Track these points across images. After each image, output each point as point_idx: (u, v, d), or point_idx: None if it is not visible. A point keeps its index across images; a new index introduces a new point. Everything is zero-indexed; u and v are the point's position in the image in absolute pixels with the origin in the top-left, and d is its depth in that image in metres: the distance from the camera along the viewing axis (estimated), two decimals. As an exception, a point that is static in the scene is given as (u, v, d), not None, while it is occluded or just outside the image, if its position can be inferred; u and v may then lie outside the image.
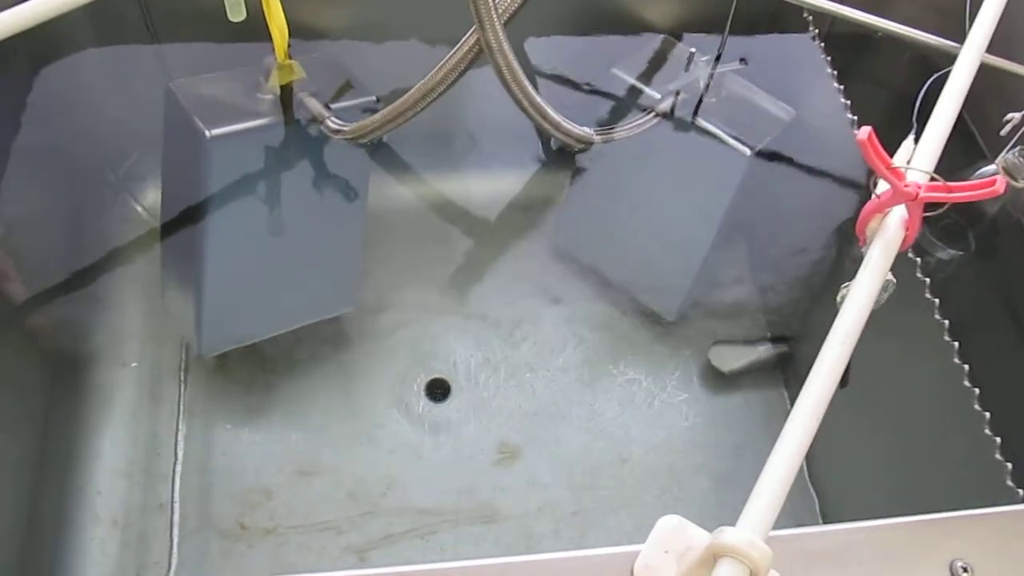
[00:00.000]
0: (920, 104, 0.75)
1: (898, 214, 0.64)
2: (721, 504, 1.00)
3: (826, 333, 1.07)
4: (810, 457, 0.97)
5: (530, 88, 0.81)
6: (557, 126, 0.89)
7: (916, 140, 0.70)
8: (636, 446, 1.02)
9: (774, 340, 1.11)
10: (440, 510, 0.95)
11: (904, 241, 0.64)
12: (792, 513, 0.96)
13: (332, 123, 0.94)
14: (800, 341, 1.10)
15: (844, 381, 0.82)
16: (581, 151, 1.02)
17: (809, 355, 1.07)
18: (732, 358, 1.09)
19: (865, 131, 0.58)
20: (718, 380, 1.08)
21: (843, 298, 0.73)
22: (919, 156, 0.68)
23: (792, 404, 1.06)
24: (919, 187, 0.61)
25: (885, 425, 0.92)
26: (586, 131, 0.94)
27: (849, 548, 0.57)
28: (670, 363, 1.09)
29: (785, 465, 0.52)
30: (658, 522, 0.56)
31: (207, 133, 0.90)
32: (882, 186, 0.64)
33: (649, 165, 1.10)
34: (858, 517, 0.58)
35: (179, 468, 0.94)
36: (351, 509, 0.94)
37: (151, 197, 1.11)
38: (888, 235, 0.63)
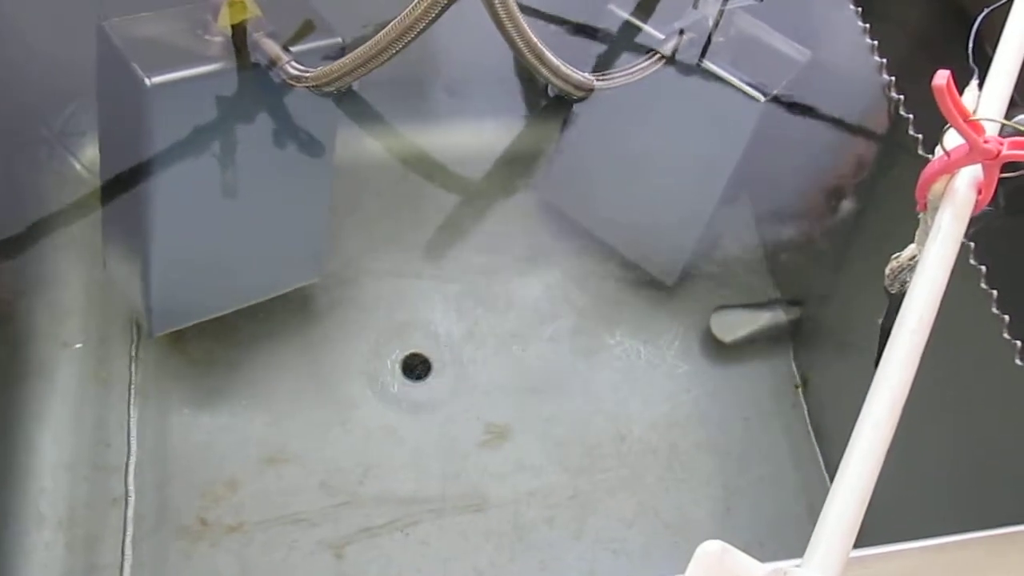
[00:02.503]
0: (974, 43, 0.66)
1: (968, 175, 0.56)
2: (727, 485, 0.97)
3: (840, 293, 1.00)
4: (831, 463, 0.94)
5: (526, 27, 0.71)
6: (556, 71, 0.83)
7: (980, 85, 0.61)
8: (635, 422, 0.99)
9: (783, 303, 1.07)
10: (422, 499, 0.92)
11: (976, 205, 0.55)
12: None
13: (292, 68, 0.87)
14: (811, 303, 1.06)
15: (879, 360, 0.74)
16: (580, 99, 0.95)
17: (821, 317, 1.02)
18: (735, 326, 1.05)
19: (943, 76, 0.49)
20: (722, 348, 1.05)
21: (893, 272, 0.65)
22: (986, 104, 0.58)
23: (801, 372, 1.02)
24: (1000, 143, 0.51)
25: (926, 417, 0.85)
26: (587, 77, 0.89)
27: (921, 570, 0.49)
28: (670, 331, 1.05)
29: (859, 484, 0.44)
30: (697, 550, 0.48)
31: (147, 81, 0.82)
32: (951, 141, 0.55)
33: (649, 113, 1.05)
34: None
35: (132, 459, 0.89)
36: (324, 500, 0.90)
37: (91, 153, 1.03)
38: (958, 199, 0.55)
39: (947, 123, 0.56)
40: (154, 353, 0.95)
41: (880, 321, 0.72)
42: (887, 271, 0.66)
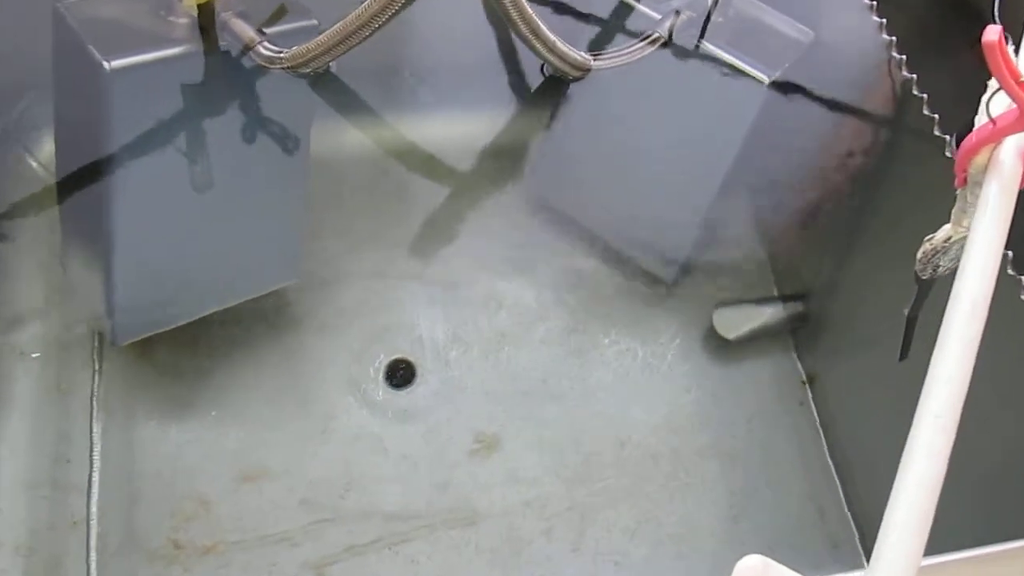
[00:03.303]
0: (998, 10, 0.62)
1: (1014, 144, 0.52)
2: (734, 490, 0.93)
3: (848, 285, 0.98)
4: (847, 477, 0.91)
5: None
6: (552, 47, 0.81)
7: (1016, 50, 0.57)
8: (634, 427, 0.96)
9: (784, 299, 1.04)
10: (410, 513, 0.88)
11: (1024, 178, 0.51)
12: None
13: (265, 49, 0.83)
14: (817, 296, 1.03)
15: (904, 352, 0.71)
16: (576, 79, 0.93)
17: (828, 311, 1.00)
18: (738, 322, 1.02)
19: (994, 31, 0.45)
20: (724, 347, 1.02)
21: (926, 255, 0.62)
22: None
23: (807, 369, 0.98)
24: (1057, 107, 0.47)
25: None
26: (584, 56, 0.86)
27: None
28: (669, 330, 1.02)
29: (924, 489, 0.39)
30: (738, 564, 0.43)
31: (106, 65, 0.79)
32: (997, 107, 0.50)
33: (644, 101, 1.02)
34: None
35: (95, 477, 0.85)
36: (305, 517, 0.86)
37: (48, 149, 0.99)
38: (1005, 171, 0.51)
39: (980, 94, 0.53)
40: (118, 362, 0.91)
41: (906, 311, 0.68)
42: (919, 255, 0.62)
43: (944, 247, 0.60)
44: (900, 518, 0.39)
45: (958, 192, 0.56)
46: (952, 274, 0.62)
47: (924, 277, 0.63)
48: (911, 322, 0.68)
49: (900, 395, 0.89)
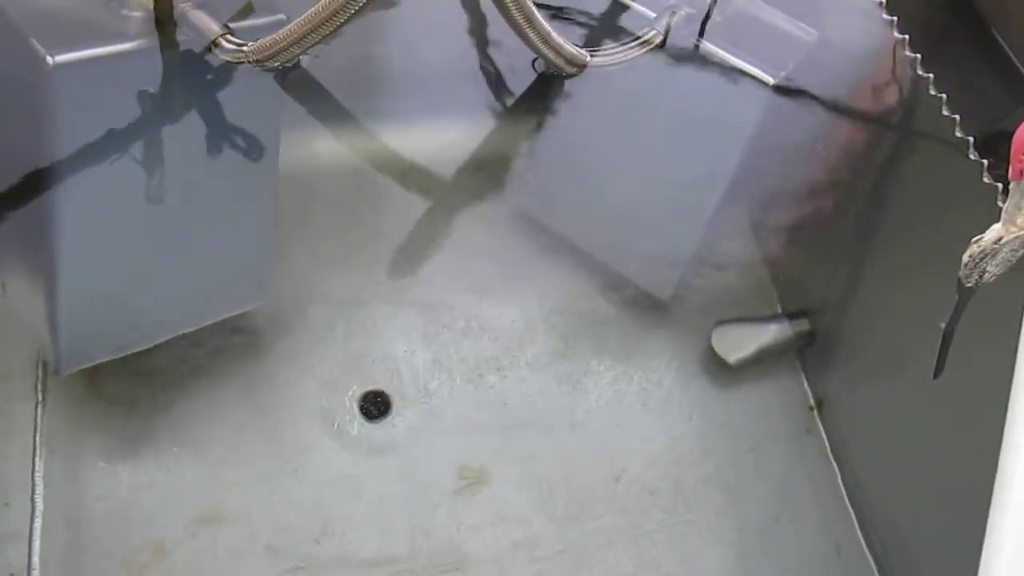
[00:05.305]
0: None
1: None
2: (740, 527, 0.91)
3: (857, 301, 0.95)
4: (863, 509, 0.88)
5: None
6: (546, 38, 0.81)
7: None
8: (630, 459, 0.94)
9: (789, 316, 1.02)
10: (389, 558, 0.86)
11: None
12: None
13: (228, 43, 0.81)
14: (824, 314, 1.01)
15: (939, 370, 0.67)
16: (571, 76, 0.91)
17: (836, 330, 0.96)
18: (739, 343, 0.99)
19: None
20: (725, 370, 1.00)
21: (973, 259, 0.58)
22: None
23: (815, 393, 0.96)
24: None
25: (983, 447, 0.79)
26: (580, 51, 0.85)
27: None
28: (666, 353, 1.00)
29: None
30: None
31: (49, 59, 0.76)
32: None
33: (638, 108, 1.01)
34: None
35: (37, 522, 0.83)
36: (273, 566, 0.84)
37: None
38: None
39: (1004, 91, 0.48)
40: (64, 394, 0.89)
41: (943, 325, 0.64)
42: (964, 259, 0.58)
43: (994, 249, 0.56)
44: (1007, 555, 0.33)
45: (1012, 186, 0.53)
46: (997, 281, 0.57)
47: (969, 284, 0.58)
48: (947, 336, 0.63)
49: (922, 419, 0.87)
